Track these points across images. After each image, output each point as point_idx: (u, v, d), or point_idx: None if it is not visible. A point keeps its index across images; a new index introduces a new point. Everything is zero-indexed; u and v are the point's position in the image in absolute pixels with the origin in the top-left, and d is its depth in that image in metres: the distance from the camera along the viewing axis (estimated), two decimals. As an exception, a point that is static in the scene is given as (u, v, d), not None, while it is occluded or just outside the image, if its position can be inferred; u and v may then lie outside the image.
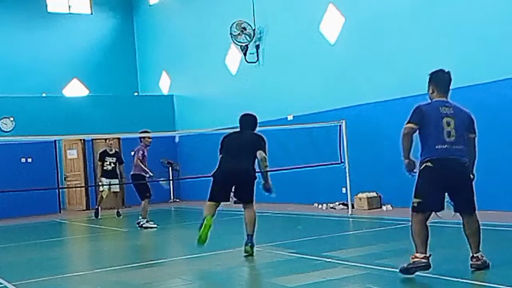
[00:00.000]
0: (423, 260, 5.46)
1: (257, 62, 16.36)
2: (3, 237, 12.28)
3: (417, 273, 5.52)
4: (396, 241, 8.07)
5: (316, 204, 13.90)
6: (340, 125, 11.94)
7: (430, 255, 5.51)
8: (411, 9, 11.93)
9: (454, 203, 5.67)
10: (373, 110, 12.77)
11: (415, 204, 5.65)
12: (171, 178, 18.81)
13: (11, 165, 17.34)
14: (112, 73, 22.08)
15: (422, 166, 5.61)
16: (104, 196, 14.64)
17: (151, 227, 11.55)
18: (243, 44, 16.28)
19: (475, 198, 5.63)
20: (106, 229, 12.82)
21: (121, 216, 14.45)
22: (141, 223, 11.59)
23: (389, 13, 12.36)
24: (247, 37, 16.20)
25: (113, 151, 14.36)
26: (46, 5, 21.33)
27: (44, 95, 19.48)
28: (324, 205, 13.57)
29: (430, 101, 5.80)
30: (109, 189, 14.50)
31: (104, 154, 14.33)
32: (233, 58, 17.33)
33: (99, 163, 14.59)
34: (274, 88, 15.76)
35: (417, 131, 5.63)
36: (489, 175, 10.57)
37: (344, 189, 12.41)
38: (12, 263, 8.50)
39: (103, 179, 14.32)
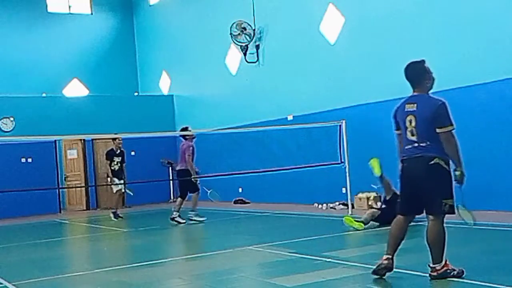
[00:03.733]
0: (384, 262, 5.45)
1: (257, 62, 16.38)
2: (4, 237, 12.30)
3: (415, 272, 5.52)
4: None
5: (316, 204, 13.90)
6: (340, 125, 11.96)
7: (391, 256, 5.48)
8: (411, 9, 11.93)
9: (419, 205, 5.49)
10: (373, 110, 12.76)
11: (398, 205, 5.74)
12: (171, 178, 18.81)
13: (11, 165, 17.39)
14: (112, 73, 22.12)
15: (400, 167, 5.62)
16: (118, 195, 14.44)
17: (200, 220, 12.01)
18: (243, 44, 16.30)
19: (439, 199, 5.23)
20: (106, 229, 12.82)
21: (120, 218, 14.08)
22: (191, 216, 12.04)
23: (389, 13, 12.37)
24: (247, 37, 16.22)
25: (119, 151, 14.14)
26: (46, 5, 21.36)
27: (44, 95, 19.53)
28: (324, 205, 13.57)
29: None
30: (121, 188, 14.31)
31: (111, 154, 14.12)
32: (233, 58, 17.35)
33: (107, 162, 14.26)
34: (274, 88, 15.78)
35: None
36: (486, 175, 10.60)
37: (344, 189, 12.42)
38: (12, 263, 8.51)
39: (115, 179, 14.02)
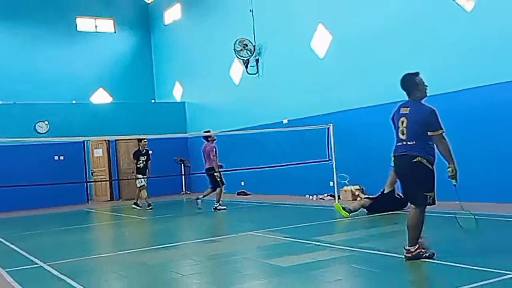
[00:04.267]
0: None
1: (257, 74, 16.34)
2: (38, 224, 12.29)
3: (394, 254, 5.49)
4: (376, 227, 8.11)
5: (307, 196, 13.89)
6: (328, 128, 11.91)
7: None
8: (389, 27, 11.89)
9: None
10: (357, 115, 12.75)
11: None
12: (182, 173, 18.81)
13: (46, 162, 17.35)
14: (132, 83, 22.09)
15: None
16: (143, 189, 14.08)
17: (223, 209, 12.20)
18: (245, 58, 16.28)
19: (420, 192, 5.22)
20: (127, 217, 12.83)
21: (141, 208, 13.94)
22: (216, 206, 12.19)
23: (371, 31, 12.34)
24: (248, 52, 16.20)
25: (144, 150, 13.95)
26: (76, 25, 21.39)
27: (74, 102, 19.53)
28: (314, 196, 13.55)
29: None
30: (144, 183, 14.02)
31: (138, 154, 13.92)
32: (236, 70, 17.31)
33: (134, 161, 14.08)
34: (271, 96, 15.75)
35: None
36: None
37: (331, 182, 12.37)
38: (46, 246, 8.53)
39: (139, 175, 13.80)
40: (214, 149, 12.26)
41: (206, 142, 12.57)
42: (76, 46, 21.16)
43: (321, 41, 13.92)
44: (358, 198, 11.67)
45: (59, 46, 20.80)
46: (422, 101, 5.43)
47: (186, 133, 19.46)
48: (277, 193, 15.08)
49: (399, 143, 5.41)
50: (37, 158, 17.23)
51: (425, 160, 5.20)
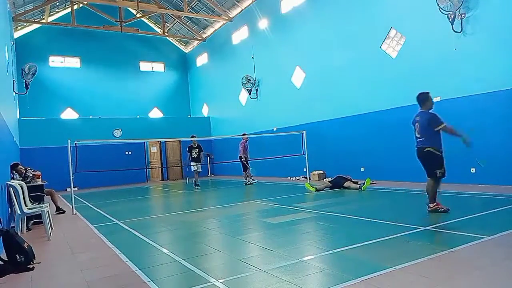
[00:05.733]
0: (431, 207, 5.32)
1: (257, 98, 16.32)
2: (114, 196, 12.29)
3: (345, 215, 5.46)
4: (333, 198, 8.11)
5: (289, 177, 13.87)
6: (302, 133, 11.95)
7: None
8: (342, 66, 11.89)
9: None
10: (321, 124, 12.76)
11: None
12: (209, 162, 18.85)
13: (120, 156, 17.38)
14: (176, 104, 22.06)
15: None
16: (196, 173, 13.00)
17: (254, 182, 12.39)
18: (249, 88, 16.26)
19: (432, 170, 5.23)
20: (172, 191, 12.80)
21: (197, 187, 12.73)
22: (247, 182, 12.36)
23: (330, 69, 12.34)
24: (251, 84, 16.18)
25: (196, 145, 12.73)
26: (139, 66, 21.33)
27: (138, 116, 19.49)
28: (294, 178, 13.54)
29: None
30: (196, 168, 13.03)
31: (190, 147, 12.73)
32: (243, 96, 17.27)
33: (188, 153, 12.82)
34: (266, 112, 15.71)
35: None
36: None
37: (305, 169, 12.43)
38: (119, 210, 8.55)
39: (192, 163, 12.68)
40: (242, 144, 12.23)
41: (242, 140, 12.47)
42: (139, 80, 21.16)
43: (298, 77, 13.89)
44: (325, 180, 11.66)
45: (129, 80, 20.77)
46: (430, 111, 5.37)
47: (210, 136, 19.46)
48: (269, 176, 15.09)
49: (417, 139, 5.39)
50: (115, 152, 17.25)
51: (432, 149, 5.22)
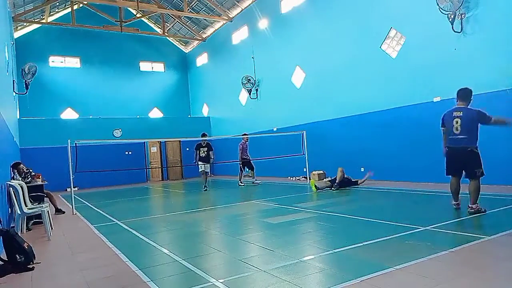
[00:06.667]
0: (456, 205, 5.25)
1: (257, 98, 16.32)
2: (114, 196, 12.30)
3: (345, 215, 5.45)
4: (334, 198, 8.11)
5: (289, 177, 13.87)
6: (302, 133, 11.95)
7: (458, 201, 5.25)
8: (342, 66, 11.89)
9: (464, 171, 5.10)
10: (321, 124, 12.76)
11: (446, 171, 5.32)
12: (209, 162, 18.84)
13: (120, 156, 17.38)
14: (176, 104, 22.06)
15: (446, 150, 5.28)
16: (203, 174, 11.71)
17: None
18: (249, 88, 16.26)
19: (473, 170, 4.97)
20: (172, 191, 12.80)
21: (207, 189, 11.52)
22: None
23: (329, 70, 12.33)
24: (251, 84, 16.18)
25: (205, 143, 11.52)
26: (139, 67, 21.31)
27: (138, 116, 19.51)
28: (294, 178, 13.53)
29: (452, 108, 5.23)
30: (204, 169, 11.87)
31: (199, 146, 11.54)
32: (243, 96, 17.27)
33: (196, 152, 11.61)
34: (266, 112, 15.71)
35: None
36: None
37: (304, 168, 12.43)
38: (119, 210, 8.55)
39: (200, 162, 11.48)
40: (240, 146, 12.17)
41: (242, 141, 12.33)
42: (140, 80, 21.15)
43: (298, 77, 13.89)
44: (325, 180, 11.66)
45: (129, 80, 20.76)
46: (469, 106, 5.15)
47: (211, 136, 19.46)
48: (270, 176, 15.09)
49: (453, 137, 5.08)
50: (114, 152, 17.25)
51: (474, 148, 5.01)
